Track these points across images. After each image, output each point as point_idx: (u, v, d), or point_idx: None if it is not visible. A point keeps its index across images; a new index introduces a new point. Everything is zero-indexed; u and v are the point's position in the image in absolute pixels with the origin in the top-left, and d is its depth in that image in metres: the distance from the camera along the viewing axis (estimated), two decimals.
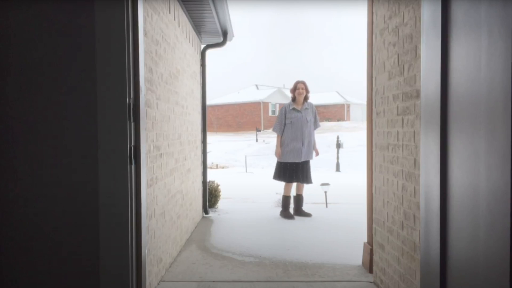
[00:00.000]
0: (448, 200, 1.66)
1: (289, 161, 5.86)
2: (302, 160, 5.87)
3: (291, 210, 6.01)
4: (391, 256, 2.78)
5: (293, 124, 5.85)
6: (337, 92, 51.47)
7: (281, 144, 5.92)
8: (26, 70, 2.04)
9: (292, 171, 5.89)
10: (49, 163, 2.05)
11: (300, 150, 5.84)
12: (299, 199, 6.00)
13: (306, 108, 5.94)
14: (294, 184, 6.00)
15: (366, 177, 3.51)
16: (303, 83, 5.99)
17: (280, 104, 42.08)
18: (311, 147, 5.96)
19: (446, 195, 1.67)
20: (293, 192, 6.03)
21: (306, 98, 5.97)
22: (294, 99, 5.96)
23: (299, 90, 5.90)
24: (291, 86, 6.15)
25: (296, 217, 5.84)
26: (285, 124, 5.89)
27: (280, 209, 6.11)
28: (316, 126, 6.04)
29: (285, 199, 5.96)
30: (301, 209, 5.98)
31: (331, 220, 5.69)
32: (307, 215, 5.90)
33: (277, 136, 5.97)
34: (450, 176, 1.64)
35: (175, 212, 3.88)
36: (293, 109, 5.90)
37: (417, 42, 2.27)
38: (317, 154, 6.11)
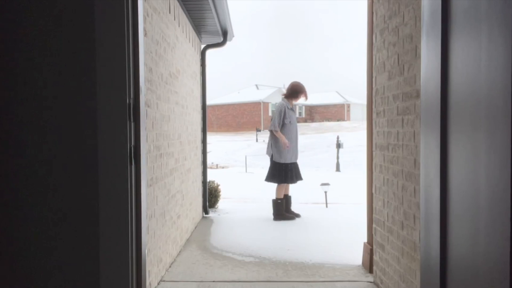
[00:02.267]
0: (448, 200, 1.66)
1: (293, 161, 5.84)
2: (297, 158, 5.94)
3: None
4: (391, 256, 2.78)
5: (291, 124, 5.83)
6: (337, 92, 51.46)
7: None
8: (25, 70, 2.04)
9: (292, 171, 5.89)
10: (48, 162, 2.05)
11: (296, 149, 5.89)
12: (287, 199, 5.97)
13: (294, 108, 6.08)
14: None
15: (366, 177, 3.50)
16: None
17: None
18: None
19: (446, 195, 1.67)
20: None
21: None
22: (290, 99, 5.83)
23: (301, 98, 5.90)
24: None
25: (296, 218, 5.82)
26: (283, 123, 5.80)
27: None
28: None
29: (284, 201, 5.91)
30: (290, 209, 5.95)
31: (331, 220, 5.70)
32: (297, 215, 5.86)
33: (277, 132, 5.74)
34: (450, 176, 1.64)
35: (175, 212, 3.88)
36: (291, 109, 5.88)
37: (417, 42, 2.27)
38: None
